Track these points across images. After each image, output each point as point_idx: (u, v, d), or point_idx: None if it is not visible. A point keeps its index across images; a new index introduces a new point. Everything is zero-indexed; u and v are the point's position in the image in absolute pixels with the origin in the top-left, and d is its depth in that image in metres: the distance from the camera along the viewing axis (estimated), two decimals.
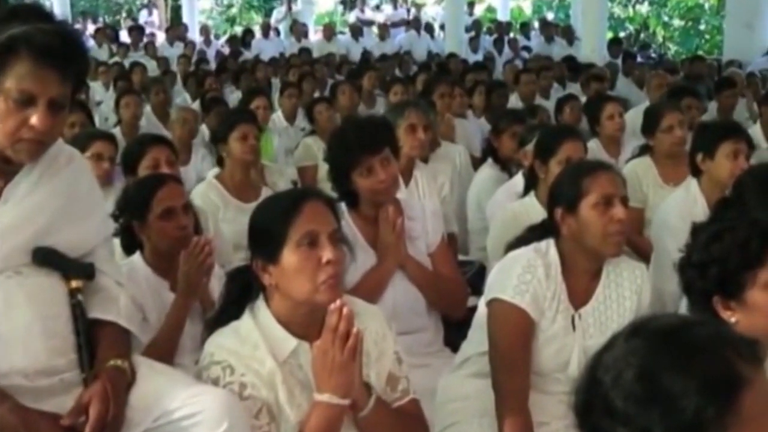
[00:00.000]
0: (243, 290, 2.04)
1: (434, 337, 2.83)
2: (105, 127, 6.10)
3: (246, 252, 2.06)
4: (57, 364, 1.92)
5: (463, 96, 6.27)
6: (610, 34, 14.28)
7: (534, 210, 3.18)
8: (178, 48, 13.51)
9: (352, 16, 18.45)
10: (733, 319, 1.91)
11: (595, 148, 4.58)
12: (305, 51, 12.54)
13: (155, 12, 21.24)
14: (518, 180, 3.78)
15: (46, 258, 1.94)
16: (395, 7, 19.29)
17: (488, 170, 4.46)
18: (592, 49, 11.38)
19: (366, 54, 12.98)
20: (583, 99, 6.16)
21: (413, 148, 3.68)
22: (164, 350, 2.46)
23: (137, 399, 1.92)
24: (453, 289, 2.87)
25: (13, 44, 1.80)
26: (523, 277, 2.29)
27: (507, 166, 4.38)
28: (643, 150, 4.24)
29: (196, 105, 7.00)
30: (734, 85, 6.64)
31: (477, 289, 2.99)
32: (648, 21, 19.95)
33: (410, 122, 3.68)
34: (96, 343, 1.98)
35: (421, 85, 6.96)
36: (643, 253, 3.54)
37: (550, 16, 19.74)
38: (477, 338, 2.44)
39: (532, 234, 2.45)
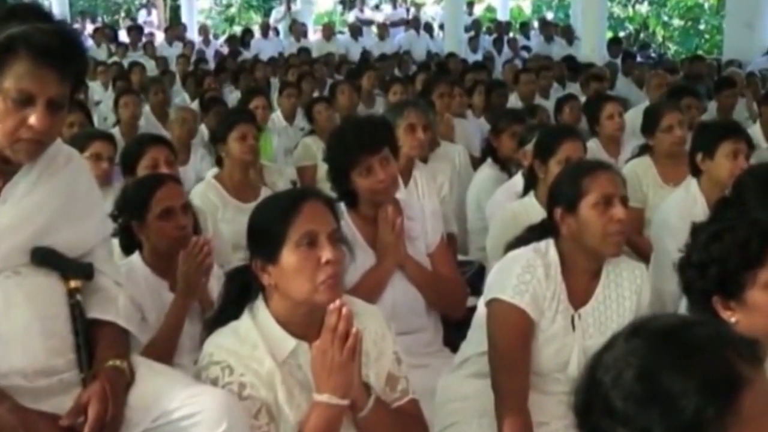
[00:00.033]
0: (242, 290, 2.04)
1: (433, 338, 2.83)
2: (104, 127, 6.10)
3: (245, 252, 2.05)
4: (56, 364, 1.92)
5: (463, 96, 6.27)
6: (609, 34, 14.29)
7: (533, 210, 3.18)
8: (177, 48, 13.50)
9: (351, 16, 18.45)
10: (732, 319, 1.91)
11: (594, 148, 4.57)
12: (304, 51, 12.54)
13: (154, 12, 21.25)
14: (518, 180, 3.78)
15: (44, 258, 1.94)
16: (394, 7, 19.31)
17: (488, 170, 4.45)
18: (591, 48, 11.38)
19: (365, 54, 12.97)
20: (583, 99, 6.16)
21: (412, 148, 3.68)
22: (163, 350, 2.45)
23: (136, 399, 1.92)
24: (452, 289, 2.86)
25: (12, 44, 1.80)
26: (523, 277, 2.28)
27: (506, 166, 4.37)
28: (643, 150, 4.24)
29: (195, 105, 7.00)
30: (734, 85, 6.63)
31: (476, 289, 2.99)
32: (648, 21, 19.96)
33: (409, 122, 3.67)
34: (95, 343, 1.98)
35: (420, 84, 6.96)
36: (642, 253, 3.54)
37: (549, 15, 19.75)
38: (476, 338, 2.44)
39: (532, 234, 2.45)
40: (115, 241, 2.63)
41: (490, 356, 2.33)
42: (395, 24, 16.64)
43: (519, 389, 2.28)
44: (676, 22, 19.58)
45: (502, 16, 17.31)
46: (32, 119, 1.82)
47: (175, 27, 15.94)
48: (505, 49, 13.36)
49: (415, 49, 13.78)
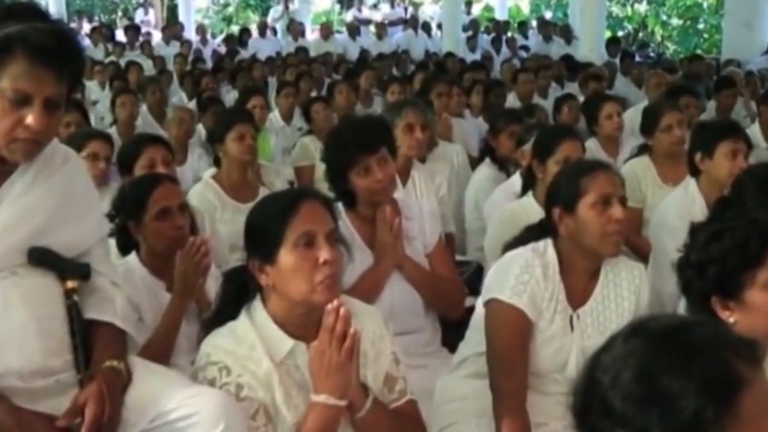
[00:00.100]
0: (239, 291, 2.03)
1: (432, 338, 2.83)
2: (101, 127, 6.10)
3: (243, 252, 2.05)
4: (52, 364, 1.92)
5: (461, 95, 6.26)
6: (608, 33, 14.30)
7: (532, 210, 3.18)
8: (175, 47, 13.49)
9: (349, 15, 18.47)
10: (731, 320, 1.90)
11: (593, 148, 4.57)
12: (302, 50, 12.52)
13: (151, 11, 21.24)
14: (516, 180, 3.77)
15: (41, 258, 1.93)
16: (392, 6, 19.33)
17: (486, 170, 4.45)
18: (590, 48, 11.39)
19: (363, 53, 12.96)
20: (582, 98, 6.15)
21: (411, 148, 3.67)
22: (160, 351, 2.45)
23: (133, 400, 1.92)
24: (450, 290, 2.86)
25: (9, 43, 1.79)
26: (521, 278, 2.28)
27: (505, 166, 4.37)
28: (642, 149, 4.23)
29: (192, 104, 7.00)
30: (733, 85, 6.63)
31: (474, 290, 2.98)
32: (646, 20, 19.99)
33: (408, 122, 3.67)
34: (92, 344, 1.97)
35: (418, 84, 6.95)
36: (641, 253, 3.53)
37: (548, 15, 19.77)
38: (475, 339, 2.44)
39: (530, 234, 2.45)
40: (112, 242, 2.62)
41: (489, 357, 2.33)
42: (393, 23, 16.63)
43: (517, 390, 2.27)
44: (675, 21, 19.61)
45: (500, 15, 17.33)
46: (29, 119, 1.81)
47: (172, 26, 15.95)
48: (504, 48, 13.36)
49: (413, 49, 13.78)
